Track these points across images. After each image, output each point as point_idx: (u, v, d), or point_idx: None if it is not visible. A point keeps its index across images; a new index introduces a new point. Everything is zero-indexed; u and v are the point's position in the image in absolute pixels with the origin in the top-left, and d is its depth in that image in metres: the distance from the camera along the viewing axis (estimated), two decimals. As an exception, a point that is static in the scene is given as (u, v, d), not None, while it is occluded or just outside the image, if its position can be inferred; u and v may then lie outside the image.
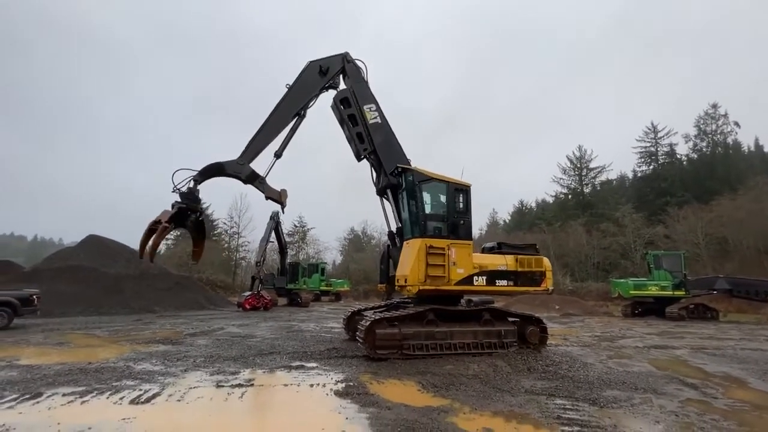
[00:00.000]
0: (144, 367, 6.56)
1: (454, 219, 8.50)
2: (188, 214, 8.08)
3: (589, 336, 12.25)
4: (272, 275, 28.06)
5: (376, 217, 54.27)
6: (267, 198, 8.68)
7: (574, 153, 58.26)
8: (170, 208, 7.88)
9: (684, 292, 19.21)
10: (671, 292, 19.25)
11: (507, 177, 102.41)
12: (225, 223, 50.63)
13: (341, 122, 9.56)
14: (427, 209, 8.47)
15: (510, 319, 8.92)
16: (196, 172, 7.91)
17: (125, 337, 10.29)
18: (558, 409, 4.67)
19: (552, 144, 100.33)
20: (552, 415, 4.42)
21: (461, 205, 8.64)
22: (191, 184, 7.93)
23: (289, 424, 4.25)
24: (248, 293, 21.87)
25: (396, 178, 9.08)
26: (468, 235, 8.59)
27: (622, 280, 21.60)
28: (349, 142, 9.61)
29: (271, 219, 25.50)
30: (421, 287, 7.86)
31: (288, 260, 29.34)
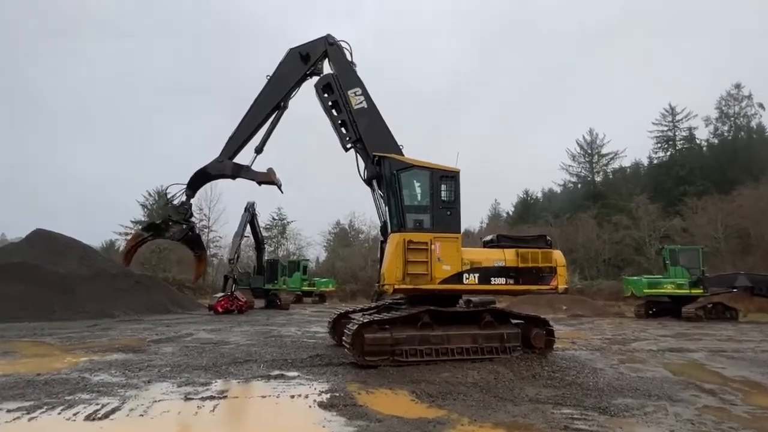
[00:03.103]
0: (101, 379, 6.49)
1: (440, 210, 8.48)
2: (168, 226, 9.21)
3: (599, 339, 12.49)
4: (247, 274, 28.00)
5: (365, 207, 54.29)
6: (260, 184, 9.46)
7: (584, 137, 59.00)
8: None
9: (701, 291, 19.65)
10: (688, 291, 19.68)
11: (511, 164, 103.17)
12: (194, 216, 50.15)
13: (326, 110, 9.69)
14: (407, 200, 8.47)
15: (513, 321, 9.00)
16: (185, 186, 8.96)
17: (80, 344, 10.17)
18: (565, 419, 4.76)
19: (561, 127, 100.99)
20: (559, 426, 4.51)
21: (448, 194, 8.59)
22: (183, 198, 9.02)
23: (267, 439, 4.25)
24: (220, 294, 21.75)
25: (377, 167, 9.09)
26: (456, 228, 8.57)
27: (635, 278, 22.02)
28: (335, 131, 9.72)
29: (246, 211, 25.28)
30: (397, 286, 7.92)
31: (265, 257, 29.30)
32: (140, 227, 9.86)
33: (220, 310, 20.62)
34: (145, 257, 39.30)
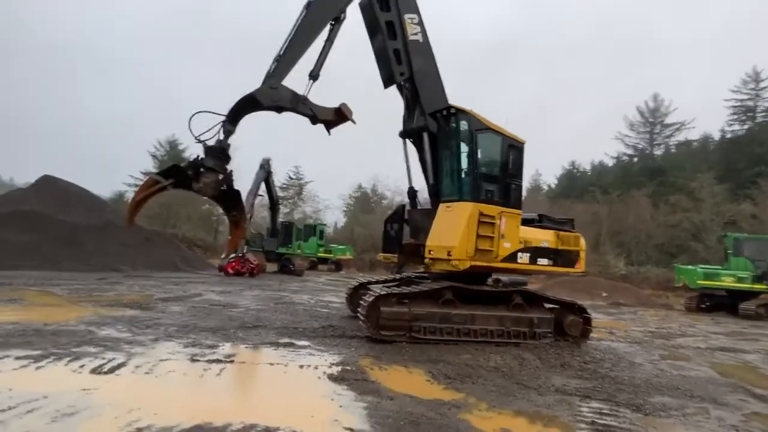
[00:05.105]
0: (108, 333, 6.89)
1: (506, 182, 8.53)
2: (199, 174, 7.87)
3: (640, 331, 12.37)
4: (260, 236, 28.55)
5: (391, 171, 54.00)
6: (318, 122, 8.35)
7: (647, 104, 56.30)
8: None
9: (765, 286, 19.05)
10: (749, 285, 19.09)
11: (558, 131, 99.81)
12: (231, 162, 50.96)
13: (371, 30, 9.09)
14: (482, 167, 8.46)
15: (547, 305, 9.06)
16: (222, 117, 7.56)
17: (87, 297, 10.76)
18: (593, 413, 4.80)
19: (620, 90, 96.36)
20: (585, 420, 4.55)
21: (513, 166, 8.62)
22: (221, 136, 7.69)
23: (273, 407, 4.47)
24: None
25: (437, 121, 8.92)
26: (518, 203, 8.68)
27: (689, 267, 21.45)
28: (378, 60, 9.19)
29: (261, 168, 25.58)
30: (471, 262, 7.94)
31: (280, 219, 29.74)
32: (156, 172, 7.94)
33: (231, 271, 21.31)
34: (154, 212, 40.68)
